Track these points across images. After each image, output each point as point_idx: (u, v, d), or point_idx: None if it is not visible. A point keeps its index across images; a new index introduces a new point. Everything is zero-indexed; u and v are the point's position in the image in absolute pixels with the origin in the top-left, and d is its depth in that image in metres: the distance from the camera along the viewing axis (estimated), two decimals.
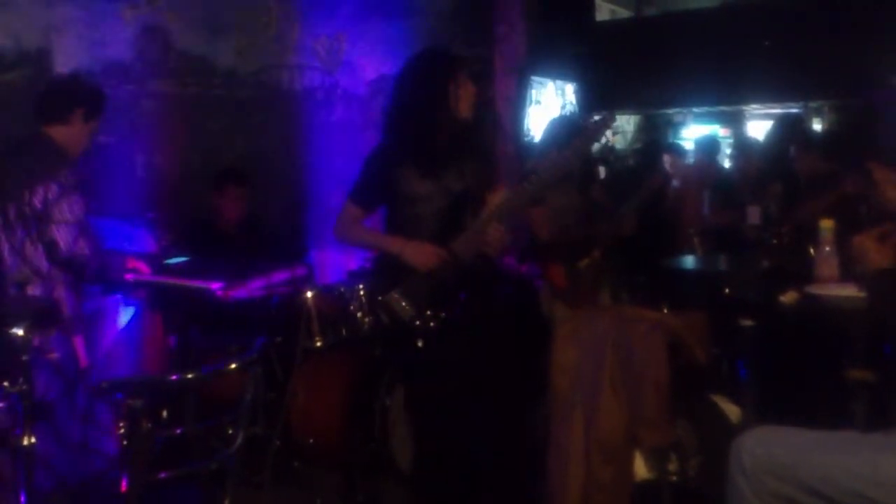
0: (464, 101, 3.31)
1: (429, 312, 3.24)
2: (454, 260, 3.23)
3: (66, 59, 4.72)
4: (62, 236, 3.37)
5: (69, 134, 3.56)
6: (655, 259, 4.67)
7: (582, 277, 4.61)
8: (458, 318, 3.25)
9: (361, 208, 3.41)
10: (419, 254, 3.23)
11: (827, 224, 3.55)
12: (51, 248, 3.38)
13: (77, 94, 3.63)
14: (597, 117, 3.18)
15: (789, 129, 5.88)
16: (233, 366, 2.53)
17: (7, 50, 4.52)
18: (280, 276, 3.97)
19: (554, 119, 5.62)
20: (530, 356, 3.60)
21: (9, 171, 3.46)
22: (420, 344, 3.26)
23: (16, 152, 3.54)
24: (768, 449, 2.24)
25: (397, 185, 3.31)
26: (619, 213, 4.83)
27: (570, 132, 4.32)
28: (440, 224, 3.31)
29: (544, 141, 4.85)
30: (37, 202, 3.35)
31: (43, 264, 3.41)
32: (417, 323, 3.24)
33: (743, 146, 7.05)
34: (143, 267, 3.59)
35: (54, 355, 3.32)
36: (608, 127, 3.25)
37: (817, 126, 9.08)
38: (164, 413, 3.26)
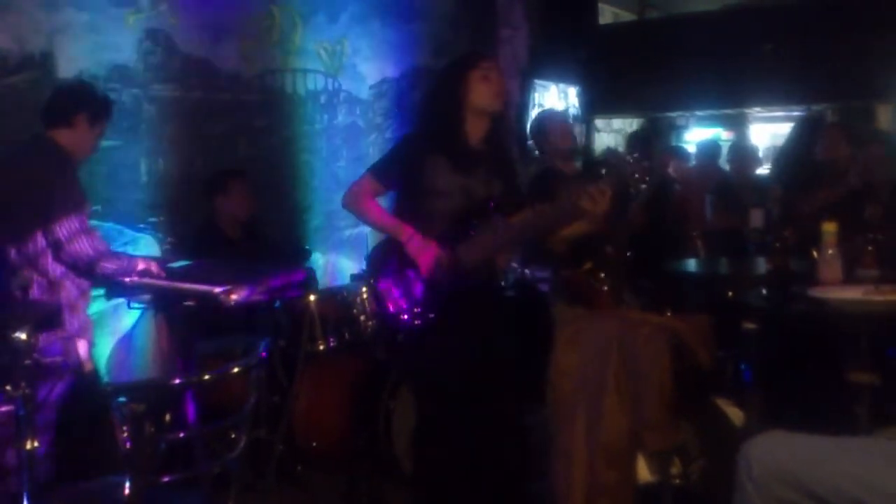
0: (488, 90, 3.29)
1: (417, 310, 3.23)
2: (456, 264, 3.23)
3: (70, 62, 4.72)
4: (66, 236, 3.37)
5: (74, 138, 3.56)
6: (658, 262, 4.66)
7: (592, 279, 4.60)
8: (450, 322, 3.24)
9: (380, 184, 3.39)
10: (422, 251, 3.22)
11: (830, 227, 3.55)
12: (56, 247, 3.39)
13: (82, 99, 3.64)
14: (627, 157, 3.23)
15: (811, 130, 5.89)
16: (236, 369, 2.53)
17: (11, 53, 4.52)
18: (283, 279, 3.97)
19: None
20: (536, 359, 3.60)
21: (15, 176, 3.46)
22: (399, 339, 3.28)
23: (21, 156, 3.55)
24: (776, 456, 2.23)
25: (422, 174, 3.28)
26: (629, 212, 4.83)
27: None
28: (452, 223, 3.29)
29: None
30: (44, 209, 3.36)
31: (50, 268, 3.41)
32: (403, 317, 3.24)
33: (739, 150, 7.05)
34: (155, 268, 3.59)
35: (58, 359, 3.32)
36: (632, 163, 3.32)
37: None
38: (168, 417, 3.26)
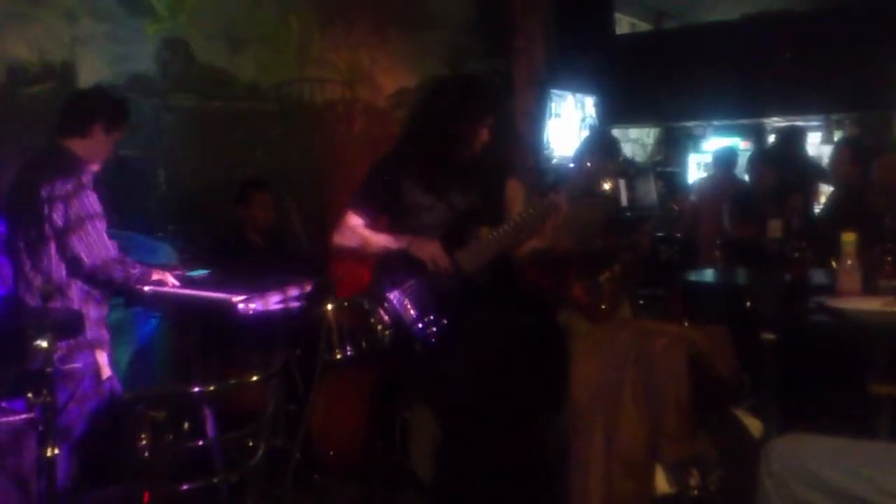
0: (479, 143, 3.39)
1: (430, 318, 3.25)
2: (456, 269, 3.26)
3: (90, 72, 4.76)
4: (83, 249, 3.36)
5: (89, 146, 3.54)
6: (675, 273, 4.65)
7: (601, 291, 4.59)
8: (460, 327, 3.26)
9: (362, 217, 3.43)
10: (426, 246, 3.26)
11: (849, 237, 3.53)
12: (74, 262, 3.39)
13: (96, 107, 3.60)
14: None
15: (789, 143, 5.87)
16: (254, 378, 2.54)
17: (32, 64, 4.56)
18: (301, 288, 3.98)
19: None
20: (544, 367, 3.60)
21: (29, 185, 3.47)
22: (417, 349, 3.29)
23: (36, 166, 3.54)
24: (797, 455, 2.23)
25: (400, 195, 3.37)
26: (637, 234, 4.82)
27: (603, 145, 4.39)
28: (443, 234, 3.35)
29: (578, 155, 4.87)
30: (57, 218, 3.35)
31: (64, 280, 3.41)
32: (419, 326, 3.26)
33: (757, 160, 7.02)
34: (170, 279, 3.59)
35: (77, 366, 3.34)
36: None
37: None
38: (186, 425, 3.27)
